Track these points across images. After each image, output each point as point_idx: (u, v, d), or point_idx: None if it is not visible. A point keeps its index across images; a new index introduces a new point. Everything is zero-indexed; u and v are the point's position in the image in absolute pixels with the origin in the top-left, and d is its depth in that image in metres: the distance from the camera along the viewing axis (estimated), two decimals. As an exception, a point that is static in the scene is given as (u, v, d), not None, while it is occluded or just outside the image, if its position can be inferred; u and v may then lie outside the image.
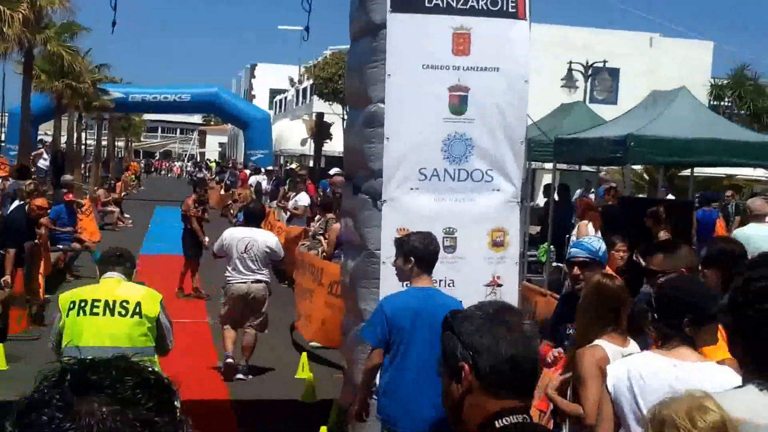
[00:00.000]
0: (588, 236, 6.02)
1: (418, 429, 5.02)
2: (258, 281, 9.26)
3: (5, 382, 8.33)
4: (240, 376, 9.27)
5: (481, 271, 6.41)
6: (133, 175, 50.77)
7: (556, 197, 14.63)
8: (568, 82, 22.59)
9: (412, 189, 6.37)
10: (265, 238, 9.39)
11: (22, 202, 11.88)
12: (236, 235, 9.33)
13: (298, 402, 8.51)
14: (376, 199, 6.39)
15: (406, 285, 5.87)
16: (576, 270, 5.40)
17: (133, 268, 5.71)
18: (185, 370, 7.99)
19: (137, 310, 5.31)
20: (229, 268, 9.25)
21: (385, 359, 5.07)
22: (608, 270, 5.66)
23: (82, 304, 5.29)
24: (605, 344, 4.01)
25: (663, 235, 9.17)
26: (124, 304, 5.31)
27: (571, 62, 22.90)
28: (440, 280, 6.00)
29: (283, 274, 14.81)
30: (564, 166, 16.68)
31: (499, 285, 6.46)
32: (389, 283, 6.14)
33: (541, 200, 20.97)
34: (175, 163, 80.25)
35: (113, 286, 5.40)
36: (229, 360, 9.24)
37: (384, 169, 6.34)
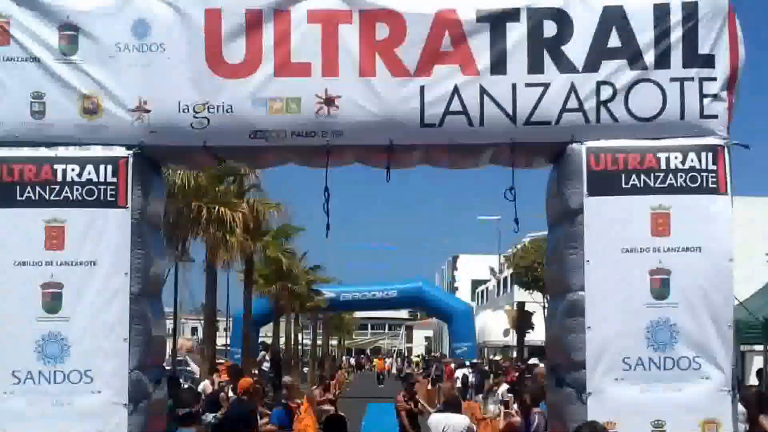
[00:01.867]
0: None
1: None
2: None
3: None
4: None
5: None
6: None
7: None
8: (774, 256, 21.29)
9: (616, 380, 6.24)
10: (459, 421, 10.54)
11: (235, 398, 11.82)
12: (436, 419, 10.76)
13: None
14: (581, 391, 6.29)
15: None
16: None
17: None
18: None
19: None
20: None
21: None
22: None
23: None
24: None
25: None
26: None
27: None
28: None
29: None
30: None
31: None
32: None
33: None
34: (386, 360, 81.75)
35: None
36: None
37: (587, 359, 6.28)
